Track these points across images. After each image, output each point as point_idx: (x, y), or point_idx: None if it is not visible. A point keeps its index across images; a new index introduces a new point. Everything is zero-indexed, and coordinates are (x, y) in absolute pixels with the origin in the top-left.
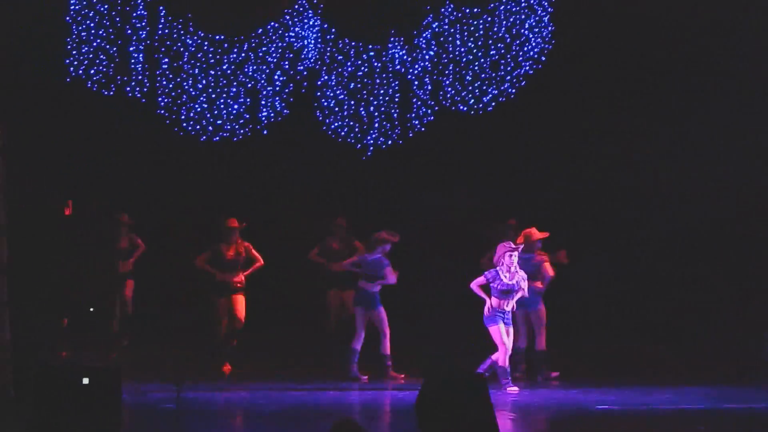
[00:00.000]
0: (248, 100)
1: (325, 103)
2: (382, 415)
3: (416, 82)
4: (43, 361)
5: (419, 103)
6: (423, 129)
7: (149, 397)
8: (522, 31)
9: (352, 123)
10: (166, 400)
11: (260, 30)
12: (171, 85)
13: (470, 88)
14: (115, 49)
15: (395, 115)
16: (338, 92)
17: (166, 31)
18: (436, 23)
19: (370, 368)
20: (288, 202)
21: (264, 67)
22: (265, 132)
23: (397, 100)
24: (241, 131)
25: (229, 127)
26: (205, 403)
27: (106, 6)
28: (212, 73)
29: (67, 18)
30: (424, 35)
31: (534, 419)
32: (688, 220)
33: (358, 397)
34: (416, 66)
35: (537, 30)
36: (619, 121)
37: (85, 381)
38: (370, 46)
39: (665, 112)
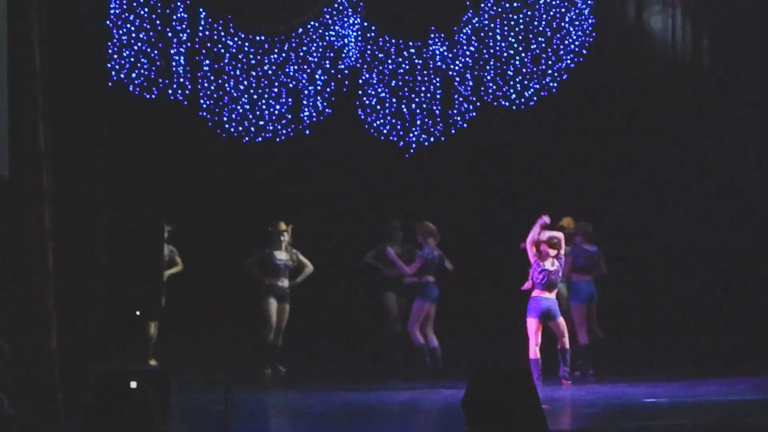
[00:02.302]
0: (290, 100)
1: (367, 101)
2: (429, 413)
3: (457, 78)
4: (94, 367)
5: (461, 99)
6: (465, 125)
7: (198, 399)
8: (562, 24)
9: (394, 121)
10: (214, 401)
11: (300, 29)
12: (212, 87)
13: (511, 82)
14: (156, 52)
15: (437, 111)
16: (380, 90)
17: (207, 32)
18: (476, 18)
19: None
20: (331, 202)
21: (305, 66)
22: (307, 132)
23: (438, 96)
24: (284, 131)
25: (271, 127)
26: (253, 403)
27: (146, 9)
28: (253, 73)
29: (108, 22)
30: (465, 31)
31: (581, 413)
32: (732, 213)
33: (405, 396)
34: (457, 62)
35: (577, 23)
36: (662, 114)
37: (133, 385)
38: (411, 43)
39: (713, 106)
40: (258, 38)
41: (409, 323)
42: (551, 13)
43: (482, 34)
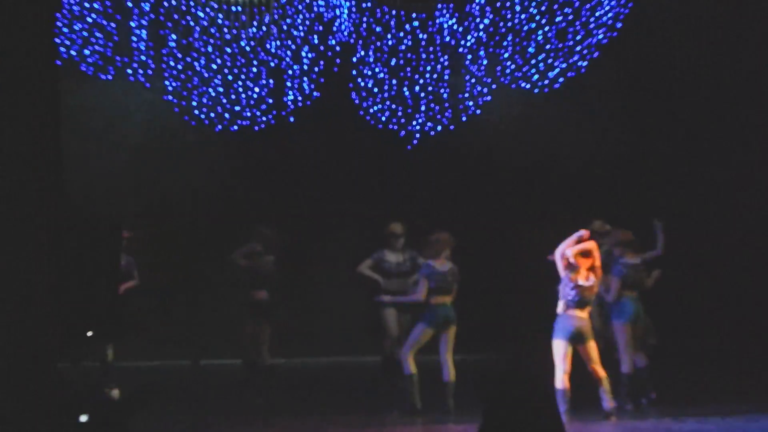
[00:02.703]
0: (271, 81)
1: (363, 84)
2: None
3: (469, 56)
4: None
5: (473, 80)
6: (478, 111)
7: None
8: None
9: (394, 106)
10: None
11: None
12: (180, 66)
13: (533, 61)
14: (113, 24)
15: (445, 95)
16: (377, 70)
17: (174, 2)
18: None
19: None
20: (319, 201)
21: (289, 42)
22: (291, 119)
23: (446, 78)
24: (264, 119)
25: (248, 114)
26: None
27: None
28: (228, 50)
29: None
30: (478, 1)
31: None
32: None
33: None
34: (469, 37)
35: None
36: (708, 96)
37: (83, 419)
38: (414, 15)
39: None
40: (234, 9)
41: (404, 346)
42: None
43: (498, 4)
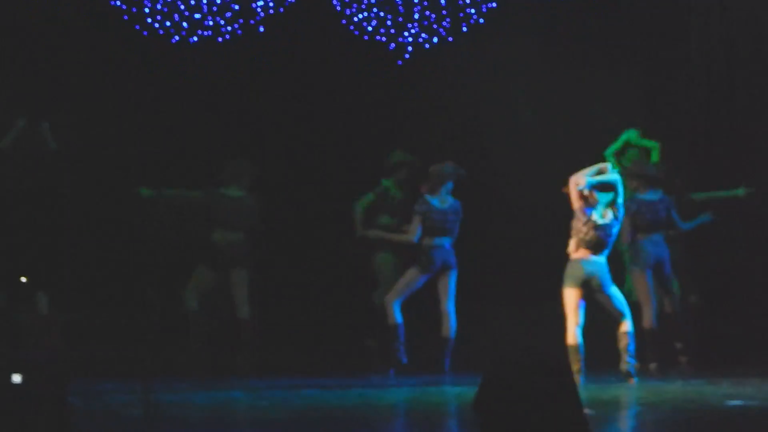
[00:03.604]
0: None
1: None
2: (427, 420)
3: None
4: None
5: None
6: (482, 20)
7: (110, 400)
8: None
9: (382, 14)
10: (131, 404)
11: None
12: None
13: None
14: None
15: (443, 1)
16: None
17: None
18: None
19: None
20: (294, 127)
21: None
22: (261, 29)
23: None
24: (229, 28)
25: (211, 22)
26: (182, 408)
27: None
28: None
29: None
30: None
31: (640, 422)
32: None
33: (394, 397)
34: None
35: None
36: None
37: (17, 379)
38: None
39: None
40: None
41: (389, 293)
42: None
43: None
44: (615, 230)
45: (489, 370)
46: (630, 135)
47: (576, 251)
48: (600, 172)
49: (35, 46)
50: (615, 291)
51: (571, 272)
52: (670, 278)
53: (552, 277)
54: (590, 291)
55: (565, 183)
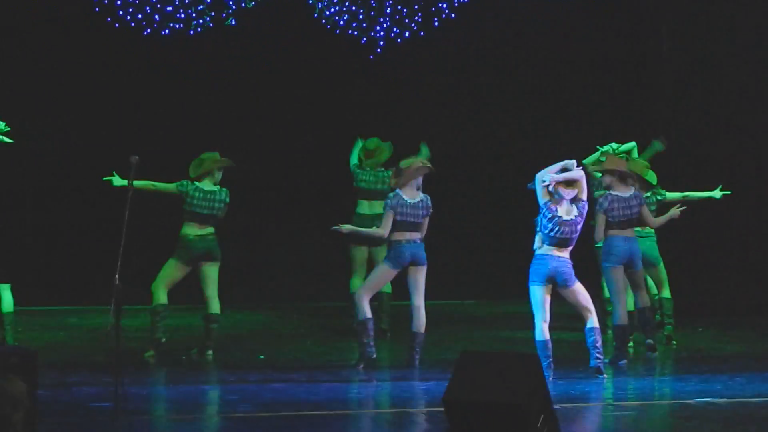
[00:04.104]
0: None
1: None
2: (396, 415)
3: None
4: None
5: None
6: (453, 15)
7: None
8: None
9: (354, 8)
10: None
11: None
12: None
13: None
14: None
15: None
16: None
17: None
18: None
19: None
20: (266, 120)
21: None
22: (233, 22)
23: None
24: (200, 21)
25: (182, 15)
26: (150, 400)
27: None
28: None
29: None
30: None
31: (607, 417)
32: None
33: (364, 391)
34: None
35: None
36: None
37: None
38: None
39: None
40: None
41: (360, 287)
42: None
43: None
44: (579, 226)
45: (459, 365)
46: (609, 147)
47: (541, 247)
48: (565, 169)
49: (3, 37)
50: (580, 287)
51: (536, 269)
52: (642, 274)
53: (519, 273)
54: (556, 287)
55: (531, 179)
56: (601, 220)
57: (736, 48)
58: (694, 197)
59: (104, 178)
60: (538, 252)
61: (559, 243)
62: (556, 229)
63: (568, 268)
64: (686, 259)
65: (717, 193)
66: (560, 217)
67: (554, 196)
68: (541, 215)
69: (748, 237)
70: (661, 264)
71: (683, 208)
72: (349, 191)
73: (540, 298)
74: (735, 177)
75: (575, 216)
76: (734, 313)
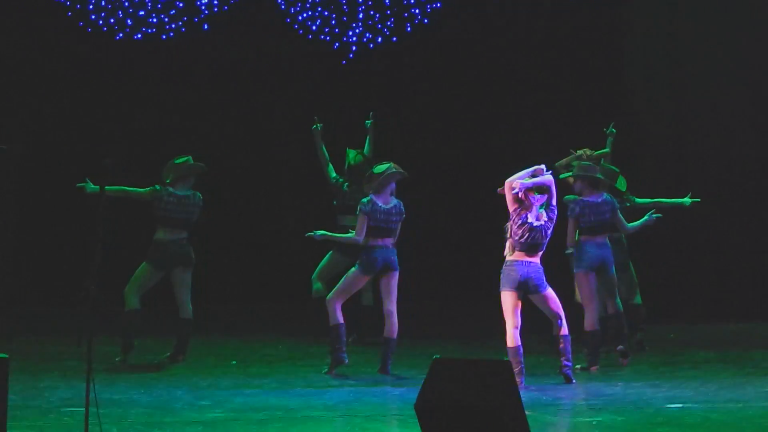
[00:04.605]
0: None
1: None
2: (368, 420)
3: None
4: None
5: None
6: (426, 21)
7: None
8: None
9: (326, 13)
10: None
11: None
12: None
13: None
14: None
15: (387, 1)
16: None
17: None
18: None
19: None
20: (239, 125)
21: None
22: (205, 26)
23: None
24: (173, 26)
25: (155, 20)
26: (124, 404)
27: None
28: None
29: None
30: None
31: (579, 423)
32: None
33: (336, 397)
34: None
35: None
36: None
37: None
38: None
39: None
40: None
41: (332, 293)
42: None
43: None
44: (550, 231)
45: (431, 371)
46: (582, 152)
47: (511, 254)
48: (535, 175)
49: None
50: (551, 293)
51: (507, 275)
52: (614, 280)
53: (491, 279)
54: (527, 293)
55: (501, 185)
56: (571, 225)
57: (707, 55)
58: (663, 204)
59: (78, 185)
60: (508, 258)
61: (530, 249)
62: (527, 235)
63: (539, 274)
64: (657, 264)
65: (686, 200)
66: (530, 223)
67: (524, 203)
68: (511, 221)
69: (719, 243)
70: (632, 269)
71: (658, 215)
72: (321, 192)
73: (511, 304)
74: (704, 183)
75: (545, 221)
76: (705, 318)
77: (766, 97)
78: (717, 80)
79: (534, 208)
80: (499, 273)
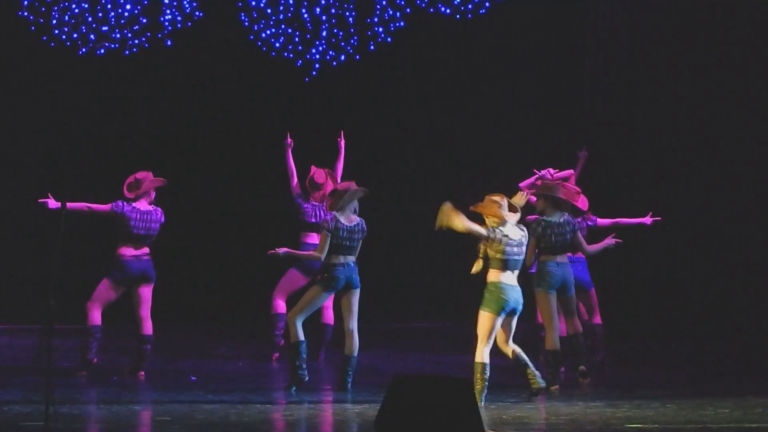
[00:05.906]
0: None
1: (253, 3)
2: None
3: None
4: None
5: (384, 2)
6: (389, 39)
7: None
8: None
9: (290, 30)
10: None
11: None
12: None
13: None
14: None
15: (350, 19)
16: None
17: None
18: None
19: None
20: (201, 142)
21: None
22: (168, 42)
23: None
24: (136, 41)
25: (118, 35)
26: (84, 421)
27: None
28: None
29: None
30: None
31: None
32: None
33: (300, 413)
34: None
35: None
36: None
37: None
38: None
39: None
40: None
41: (293, 310)
42: None
43: None
44: (524, 248)
45: (391, 388)
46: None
47: (496, 274)
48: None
49: None
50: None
51: (499, 299)
52: (574, 300)
53: (456, 296)
54: (508, 316)
55: (472, 201)
56: (531, 245)
57: (669, 71)
58: (624, 224)
59: (39, 201)
60: (503, 282)
61: (511, 267)
62: (505, 250)
63: (521, 302)
64: (616, 284)
65: (647, 220)
66: (508, 241)
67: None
68: (488, 242)
69: (681, 262)
70: (593, 290)
71: (618, 240)
72: (285, 209)
73: (494, 327)
74: (664, 202)
75: (521, 237)
76: (666, 338)
77: (725, 114)
78: (675, 98)
79: (508, 224)
80: (467, 288)
